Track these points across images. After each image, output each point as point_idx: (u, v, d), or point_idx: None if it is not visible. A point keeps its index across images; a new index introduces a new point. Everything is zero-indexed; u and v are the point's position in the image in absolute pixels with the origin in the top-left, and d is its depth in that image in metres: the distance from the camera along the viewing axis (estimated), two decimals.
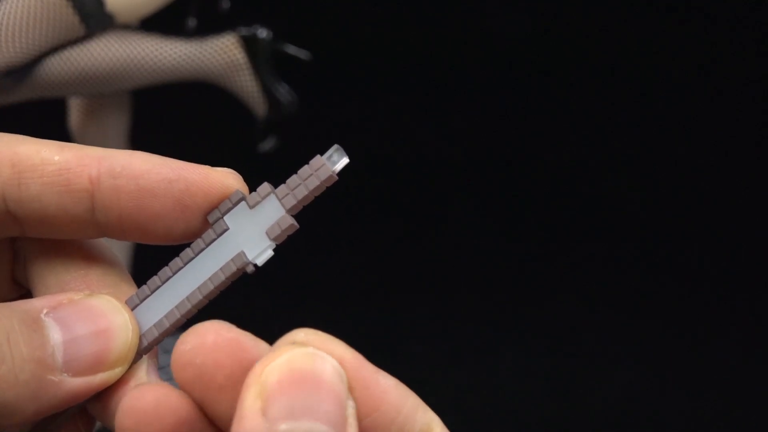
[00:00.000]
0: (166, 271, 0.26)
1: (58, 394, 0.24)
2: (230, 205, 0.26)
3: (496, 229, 0.84)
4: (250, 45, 0.53)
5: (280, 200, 0.26)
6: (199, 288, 0.26)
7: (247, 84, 0.53)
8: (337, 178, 0.26)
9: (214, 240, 0.26)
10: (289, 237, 0.26)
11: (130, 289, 0.27)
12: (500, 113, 0.84)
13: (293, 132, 0.57)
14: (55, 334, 0.25)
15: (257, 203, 0.26)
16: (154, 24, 0.51)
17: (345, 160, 0.26)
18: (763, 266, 0.81)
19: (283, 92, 0.54)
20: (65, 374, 0.24)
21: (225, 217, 0.26)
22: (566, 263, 0.82)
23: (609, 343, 0.78)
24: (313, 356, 0.23)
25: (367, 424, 0.24)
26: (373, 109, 0.85)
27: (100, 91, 0.52)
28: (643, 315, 0.79)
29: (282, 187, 0.26)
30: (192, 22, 0.53)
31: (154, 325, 0.26)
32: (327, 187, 0.26)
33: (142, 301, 0.26)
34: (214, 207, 0.26)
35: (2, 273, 0.29)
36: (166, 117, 0.73)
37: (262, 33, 0.53)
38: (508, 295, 0.80)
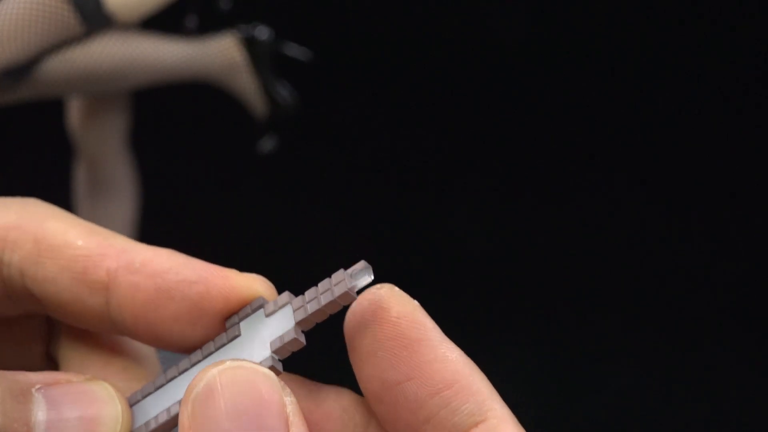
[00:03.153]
0: (173, 370, 0.25)
1: None
2: (249, 311, 0.25)
3: (496, 229, 0.84)
4: (250, 45, 0.53)
5: (293, 312, 0.24)
6: None
7: (247, 84, 0.53)
8: (355, 297, 0.24)
9: (224, 345, 0.25)
10: (294, 353, 0.24)
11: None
12: (501, 113, 0.84)
13: (293, 132, 0.57)
14: (40, 411, 0.24)
15: (273, 312, 0.25)
16: (154, 24, 0.51)
17: (368, 279, 0.24)
18: (764, 266, 0.81)
19: (283, 92, 0.54)
20: None
21: (241, 323, 0.25)
22: (566, 264, 0.82)
23: (609, 344, 0.78)
24: (238, 369, 0.22)
25: (410, 390, 0.23)
26: (373, 109, 0.85)
27: (99, 91, 0.52)
28: (643, 316, 0.79)
29: (299, 298, 0.25)
30: (192, 22, 0.53)
31: (144, 424, 0.25)
32: (344, 306, 0.24)
33: (144, 397, 0.26)
34: (234, 312, 0.25)
35: (37, 347, 0.28)
36: (166, 117, 0.73)
37: (263, 33, 0.53)
38: (508, 295, 0.80)
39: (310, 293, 0.24)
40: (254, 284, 0.25)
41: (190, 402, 0.22)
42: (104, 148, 0.54)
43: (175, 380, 0.25)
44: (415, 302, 0.24)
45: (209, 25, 0.53)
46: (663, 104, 0.83)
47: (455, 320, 0.84)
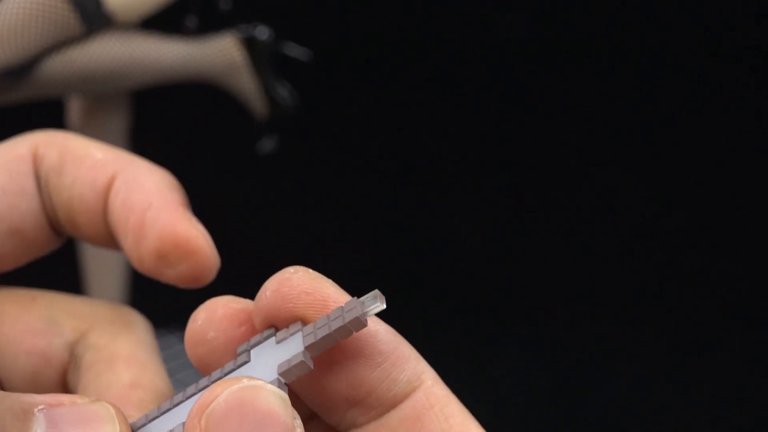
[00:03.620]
0: (179, 395, 0.25)
1: None
2: (260, 339, 0.25)
3: (497, 229, 0.84)
4: (250, 45, 0.53)
5: (303, 338, 0.24)
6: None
7: (247, 84, 0.53)
8: (366, 324, 0.24)
9: (232, 371, 0.25)
10: (300, 378, 0.24)
11: None
12: (502, 113, 0.84)
13: (293, 132, 0.57)
14: (39, 430, 0.24)
15: (283, 339, 0.25)
16: (154, 24, 0.51)
17: (380, 307, 0.24)
18: (764, 267, 0.81)
19: (283, 92, 0.54)
20: None
21: (252, 351, 0.25)
22: (567, 264, 0.82)
23: (609, 344, 0.78)
24: (255, 388, 0.23)
25: (350, 368, 0.24)
26: (373, 109, 0.85)
27: (99, 91, 0.52)
28: (643, 317, 0.79)
29: (310, 325, 0.25)
30: (192, 22, 0.53)
31: None
32: (355, 333, 0.24)
33: (149, 421, 0.26)
34: (246, 341, 0.26)
35: (54, 374, 0.29)
36: (166, 117, 0.73)
37: (263, 33, 0.53)
38: (508, 296, 0.80)
39: (321, 320, 0.24)
40: (198, 237, 0.27)
41: (205, 417, 0.22)
42: None
43: (181, 405, 0.25)
44: (330, 281, 0.25)
45: (209, 25, 0.53)
46: (663, 104, 0.83)
47: (455, 320, 0.85)
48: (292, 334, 0.25)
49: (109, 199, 0.27)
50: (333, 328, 0.24)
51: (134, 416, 0.26)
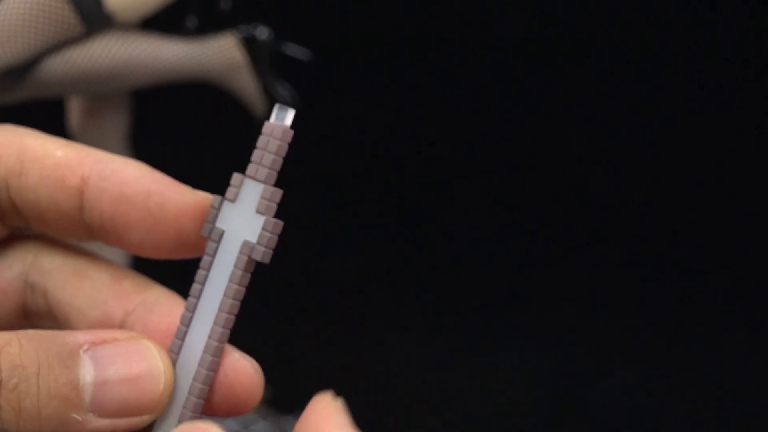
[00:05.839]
0: (191, 300, 0.27)
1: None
2: (216, 211, 0.27)
3: (497, 229, 0.84)
4: (250, 45, 0.53)
5: (254, 178, 0.26)
6: (224, 297, 0.26)
7: (247, 84, 0.53)
8: (292, 131, 0.27)
9: (218, 247, 0.26)
10: (279, 205, 0.26)
11: (161, 291, 0.28)
12: (502, 114, 0.84)
13: (293, 132, 0.57)
14: (88, 374, 0.25)
15: (237, 194, 0.26)
16: (154, 24, 0.51)
17: (292, 112, 0.27)
18: (764, 266, 0.81)
19: (283, 92, 0.54)
20: (90, 414, 0.25)
21: (216, 224, 0.27)
22: (567, 263, 0.82)
23: (609, 343, 0.78)
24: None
25: None
26: (374, 109, 0.85)
27: (100, 91, 0.52)
28: (644, 315, 0.79)
29: (250, 165, 0.27)
30: (192, 22, 0.53)
31: (194, 378, 0.26)
32: (289, 144, 0.26)
33: (183, 339, 0.27)
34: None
35: (12, 305, 0.29)
36: (166, 117, 0.73)
37: (263, 33, 0.53)
38: (508, 295, 0.80)
39: (255, 155, 0.27)
40: (205, 201, 0.27)
41: None
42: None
43: (199, 306, 0.26)
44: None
45: (209, 25, 0.53)
46: (664, 103, 0.83)
47: (455, 320, 0.85)
48: (240, 185, 0.27)
49: (86, 197, 0.27)
50: (272, 150, 0.27)
51: (134, 303, 0.28)
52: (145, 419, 0.25)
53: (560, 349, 0.78)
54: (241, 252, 0.26)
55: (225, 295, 0.26)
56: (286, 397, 0.63)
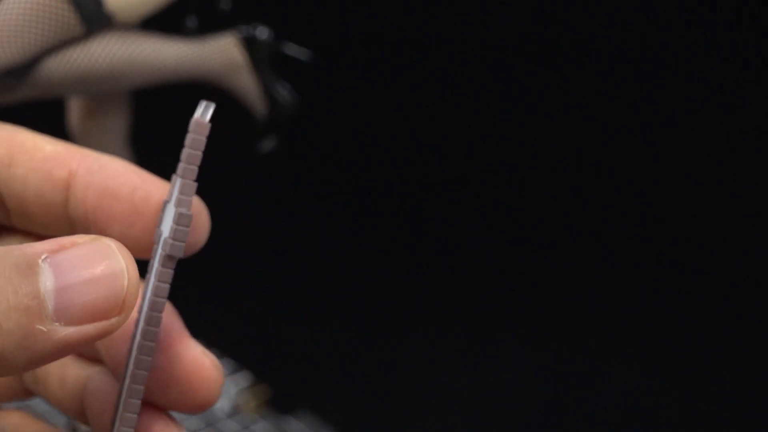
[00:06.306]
0: (138, 302, 0.27)
1: (49, 344, 0.24)
2: (161, 213, 0.28)
3: (497, 229, 0.84)
4: (250, 45, 0.53)
5: (176, 174, 0.27)
6: (150, 295, 0.27)
7: (247, 84, 0.53)
8: (209, 124, 0.28)
9: (157, 247, 0.27)
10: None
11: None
12: (502, 113, 0.84)
13: (293, 132, 0.57)
14: (48, 281, 0.24)
15: (171, 194, 0.28)
16: (154, 24, 0.51)
17: (211, 107, 0.28)
18: (764, 266, 0.81)
19: (284, 92, 0.54)
20: (56, 323, 0.24)
21: (159, 226, 0.28)
22: (567, 264, 0.82)
23: (609, 344, 0.78)
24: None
25: None
26: (373, 109, 0.85)
27: (100, 91, 0.52)
28: (644, 315, 0.79)
29: (179, 164, 0.28)
30: (192, 22, 0.53)
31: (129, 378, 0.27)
32: (207, 137, 0.28)
33: (132, 341, 0.27)
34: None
35: None
36: (166, 117, 0.73)
37: (263, 33, 0.53)
38: (509, 296, 0.80)
39: (182, 153, 0.28)
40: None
41: None
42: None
43: (141, 314, 0.27)
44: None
45: (209, 25, 0.53)
46: (664, 103, 0.83)
47: (455, 320, 0.85)
48: (174, 184, 0.28)
49: (72, 191, 0.28)
50: (187, 144, 0.27)
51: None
52: (114, 322, 0.25)
53: (560, 350, 0.78)
54: (162, 248, 0.26)
55: (151, 293, 0.26)
56: (286, 397, 0.63)
